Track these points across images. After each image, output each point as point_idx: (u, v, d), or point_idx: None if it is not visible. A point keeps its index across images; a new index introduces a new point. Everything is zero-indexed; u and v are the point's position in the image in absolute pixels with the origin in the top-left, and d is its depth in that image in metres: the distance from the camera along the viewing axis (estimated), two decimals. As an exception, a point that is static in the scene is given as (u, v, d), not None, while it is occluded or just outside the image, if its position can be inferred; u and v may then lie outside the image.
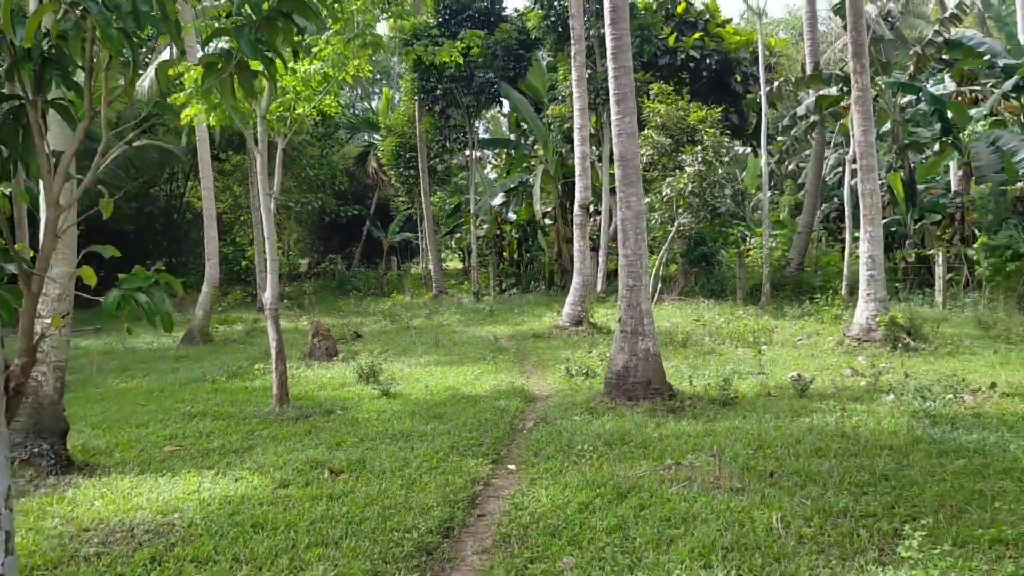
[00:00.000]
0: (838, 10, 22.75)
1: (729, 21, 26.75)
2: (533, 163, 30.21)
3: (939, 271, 18.19)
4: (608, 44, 10.72)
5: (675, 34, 24.93)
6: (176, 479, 6.97)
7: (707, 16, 26.03)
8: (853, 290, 18.93)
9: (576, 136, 18.42)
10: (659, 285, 21.27)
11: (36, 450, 7.13)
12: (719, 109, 21.30)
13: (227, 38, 2.97)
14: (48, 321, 6.46)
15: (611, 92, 10.66)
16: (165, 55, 21.09)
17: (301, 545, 5.36)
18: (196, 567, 5.06)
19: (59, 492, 6.60)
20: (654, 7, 25.53)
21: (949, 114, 20.82)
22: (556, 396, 10.69)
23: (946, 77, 24.05)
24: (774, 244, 24.62)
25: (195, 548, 5.34)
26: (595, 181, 23.42)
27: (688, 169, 19.64)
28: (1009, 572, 4.55)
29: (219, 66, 2.90)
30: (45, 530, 5.68)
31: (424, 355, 14.74)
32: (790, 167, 33.70)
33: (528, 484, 6.61)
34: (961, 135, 20.85)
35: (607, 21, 10.70)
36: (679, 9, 25.66)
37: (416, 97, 28.60)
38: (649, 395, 9.65)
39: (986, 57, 20.13)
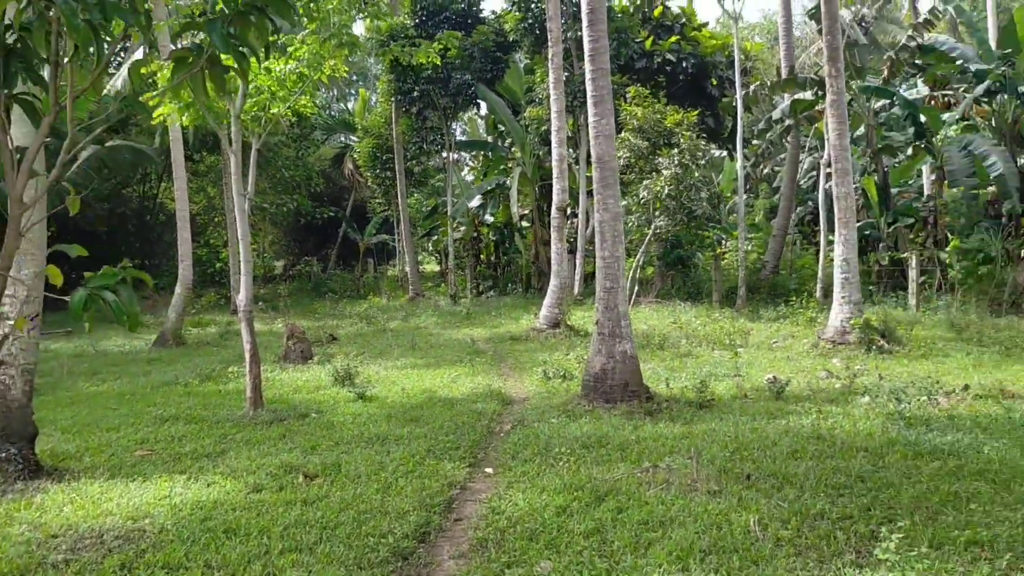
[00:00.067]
0: (813, 15, 22.94)
1: (705, 25, 26.90)
2: (510, 165, 30.17)
3: (912, 274, 18.37)
4: (586, 46, 10.72)
5: (652, 37, 25.02)
6: (147, 484, 6.84)
7: (683, 20, 26.14)
8: (827, 293, 19.07)
9: (554, 138, 18.42)
10: (636, 288, 21.31)
11: (3, 455, 6.97)
12: (695, 112, 21.38)
13: (200, 33, 2.90)
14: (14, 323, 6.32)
15: (589, 94, 10.65)
16: (139, 55, 20.84)
17: (275, 551, 5.27)
18: (167, 574, 4.97)
19: (27, 497, 6.45)
20: (631, 10, 25.60)
21: (922, 118, 21.04)
22: (533, 399, 10.66)
23: (919, 82, 24.31)
24: (749, 247, 24.77)
25: (166, 554, 5.24)
26: (572, 183, 23.42)
27: (665, 172, 19.70)
28: (985, 574, 4.56)
29: (190, 60, 2.82)
30: (12, 536, 5.54)
31: (400, 358, 14.64)
32: (765, 171, 33.97)
33: (505, 487, 6.56)
34: (934, 139, 21.07)
35: (585, 23, 10.70)
36: (656, 13, 25.75)
37: (393, 99, 28.48)
38: (627, 397, 9.64)
39: (958, 62, 20.37)
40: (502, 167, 31.73)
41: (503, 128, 30.02)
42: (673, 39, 25.03)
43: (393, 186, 31.33)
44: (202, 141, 27.42)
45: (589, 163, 21.54)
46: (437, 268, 41.04)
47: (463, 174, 40.20)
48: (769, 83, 23.51)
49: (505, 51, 27.52)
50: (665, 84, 24.35)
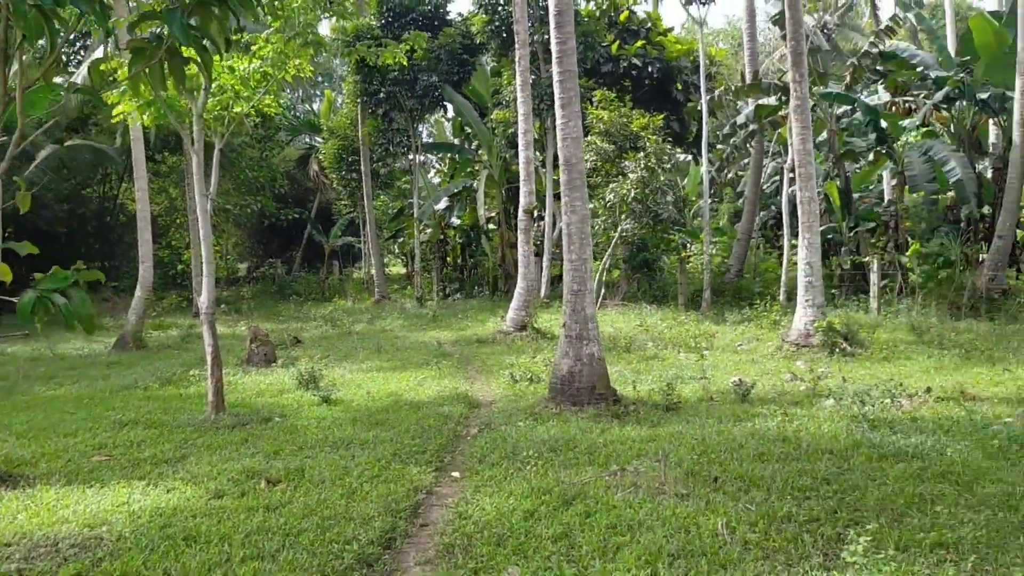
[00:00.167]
0: (777, 20, 23.22)
1: (671, 30, 27.07)
2: (477, 168, 30.11)
3: (874, 278, 18.60)
4: (553, 48, 10.70)
5: (618, 42, 25.13)
6: (105, 490, 6.71)
7: (649, 25, 26.30)
8: (791, 296, 19.27)
9: (520, 141, 18.39)
10: (602, 290, 21.36)
11: (-47, 462, 6.77)
12: (661, 117, 21.50)
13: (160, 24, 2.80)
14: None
15: (556, 96, 10.63)
16: (99, 53, 20.46)
17: (236, 559, 5.17)
18: (124, 583, 4.84)
19: (-22, 505, 6.27)
20: (597, 15, 25.70)
21: (883, 124, 21.37)
22: (500, 402, 10.61)
23: (880, 88, 24.70)
24: (714, 251, 24.98)
25: (124, 563, 5.13)
26: (539, 186, 23.44)
27: (631, 175, 19.77)
28: None
29: (149, 52, 2.71)
30: (-38, 546, 5.37)
31: (366, 361, 14.51)
32: (729, 175, 34.28)
33: (472, 492, 6.50)
34: (895, 145, 21.41)
35: (552, 25, 10.68)
36: (622, 17, 25.87)
37: (359, 100, 28.26)
38: (594, 400, 9.62)
39: (919, 69, 20.72)
40: (469, 170, 31.66)
41: (470, 131, 29.97)
42: (639, 44, 25.17)
43: (359, 188, 31.10)
44: (164, 141, 27.00)
45: (556, 166, 21.58)
46: (403, 270, 40.78)
47: (430, 176, 40.03)
48: (734, 88, 23.74)
49: (472, 53, 27.46)
50: (631, 88, 24.46)
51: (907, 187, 20.94)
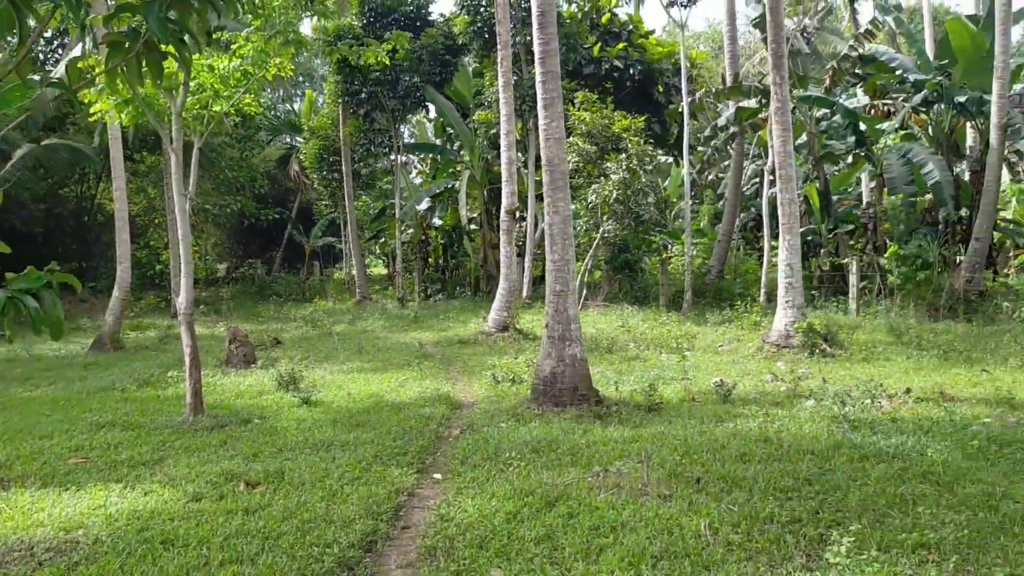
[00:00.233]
0: (758, 24, 23.33)
1: (652, 33, 27.14)
2: (459, 168, 30.06)
3: (853, 279, 18.74)
4: (536, 48, 10.67)
5: (599, 44, 25.16)
6: (81, 493, 6.63)
7: (631, 27, 26.35)
8: (771, 297, 19.39)
9: (503, 142, 18.36)
10: (584, 291, 21.37)
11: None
12: (643, 119, 21.55)
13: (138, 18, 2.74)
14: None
15: (539, 97, 10.61)
16: (77, 51, 20.24)
17: (214, 562, 5.11)
18: (100, 588, 4.76)
19: (-49, 509, 6.17)
20: (579, 17, 25.72)
21: (862, 127, 21.54)
22: (482, 403, 10.57)
23: (859, 91, 24.90)
24: (695, 252, 25.05)
25: (100, 567, 5.06)
26: (521, 187, 23.42)
27: (613, 177, 19.81)
28: (932, 576, 4.61)
29: (126, 45, 2.64)
30: (-67, 551, 5.27)
31: (347, 362, 14.42)
32: (710, 177, 34.42)
33: (454, 494, 6.45)
34: (874, 147, 21.58)
35: (535, 25, 10.66)
36: (603, 20, 25.90)
37: (340, 100, 28.13)
38: (576, 401, 9.60)
39: (898, 72, 20.89)
40: (451, 170, 31.60)
41: (452, 131, 29.90)
42: (620, 46, 25.21)
43: (340, 188, 30.96)
44: (143, 140, 26.77)
45: (538, 167, 21.57)
46: (384, 271, 40.65)
47: (411, 177, 39.92)
48: (714, 90, 23.84)
49: (454, 54, 27.41)
50: (613, 90, 24.50)
51: (886, 189, 21.11)
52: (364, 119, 28.35)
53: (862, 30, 22.85)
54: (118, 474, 7.20)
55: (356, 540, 5.45)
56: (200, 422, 9.22)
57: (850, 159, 23.65)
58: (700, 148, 27.58)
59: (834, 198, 24.59)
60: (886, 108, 21.67)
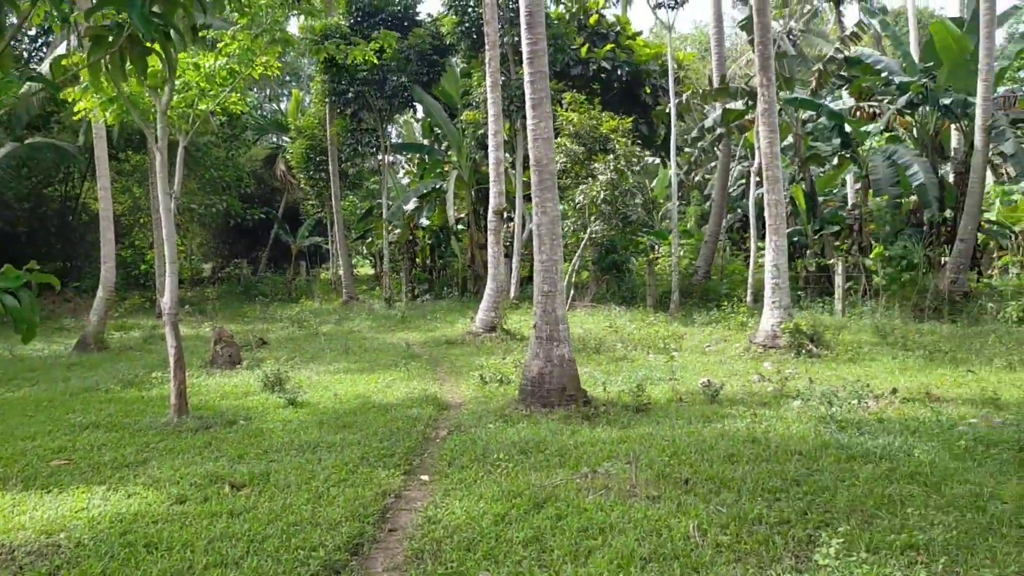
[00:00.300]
0: (744, 26, 23.40)
1: (639, 34, 27.17)
2: (447, 169, 30.00)
3: (838, 280, 18.83)
4: (524, 48, 10.65)
5: (587, 45, 25.18)
6: (64, 495, 6.55)
7: (618, 28, 26.37)
8: (757, 298, 19.45)
9: (490, 142, 18.33)
10: (571, 292, 21.37)
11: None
12: (630, 120, 21.57)
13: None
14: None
15: (527, 96, 10.59)
16: (61, 49, 20.07)
17: (199, 566, 5.05)
18: (82, 592, 4.70)
19: (-70, 512, 6.08)
20: (567, 18, 25.72)
21: (848, 129, 21.64)
22: (470, 404, 10.53)
23: (844, 93, 25.02)
24: (682, 253, 25.10)
25: (82, 571, 5.00)
26: (509, 187, 23.39)
27: (601, 177, 19.81)
28: (921, 577, 4.61)
29: (109, 40, 2.59)
30: (-89, 555, 5.19)
31: (333, 362, 14.34)
32: (696, 178, 34.53)
33: (442, 495, 6.41)
34: (859, 149, 21.69)
35: (523, 25, 10.63)
36: (591, 21, 25.92)
37: (327, 99, 28.03)
38: (564, 402, 9.58)
39: (883, 74, 21.00)
40: (438, 170, 31.53)
41: (439, 131, 29.85)
42: (608, 47, 25.23)
43: (327, 188, 30.84)
44: (128, 139, 26.55)
45: (526, 167, 21.53)
46: (371, 271, 40.51)
47: (399, 177, 39.82)
48: (701, 92, 23.89)
49: (442, 54, 27.36)
50: (600, 91, 24.51)
51: (871, 191, 21.22)
52: (351, 119, 28.26)
53: (848, 32, 22.98)
54: (101, 476, 7.12)
55: (342, 543, 5.40)
56: (185, 423, 9.14)
57: (836, 161, 23.76)
58: (687, 149, 27.65)
59: (820, 199, 24.70)
60: (871, 110, 21.78)
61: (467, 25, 24.36)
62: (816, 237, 23.15)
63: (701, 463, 6.97)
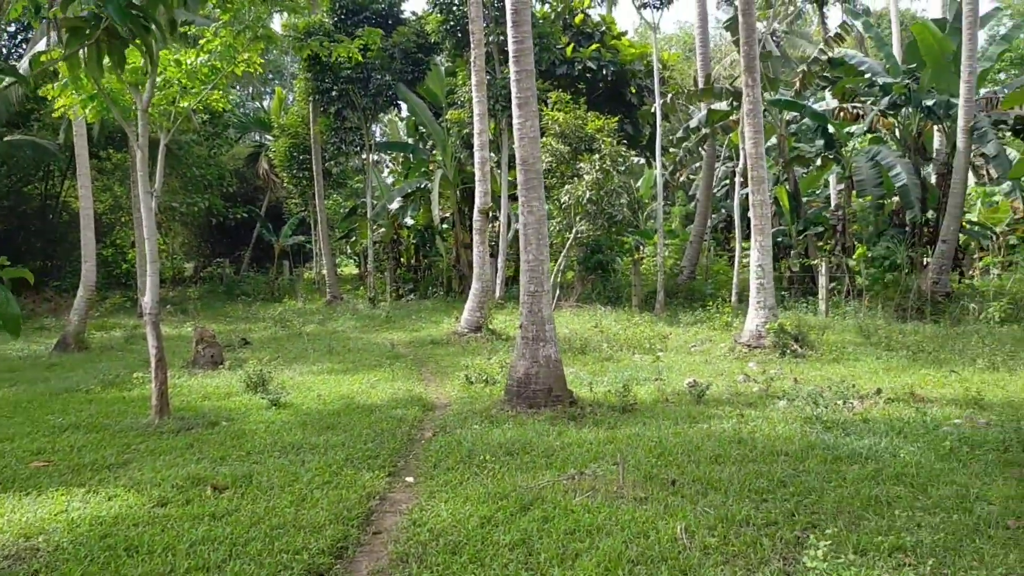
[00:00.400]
0: (729, 26, 23.45)
1: (624, 34, 27.19)
2: (432, 168, 29.91)
3: (822, 280, 18.90)
4: (510, 47, 10.59)
5: (572, 44, 25.17)
6: (42, 498, 6.44)
7: (603, 28, 26.38)
8: (742, 298, 19.51)
9: (476, 141, 18.27)
10: (557, 292, 21.34)
11: None
12: (615, 119, 21.57)
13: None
14: None
15: (513, 95, 10.53)
16: (41, 46, 19.82)
17: (180, 570, 4.98)
18: (60, 597, 4.61)
19: (-97, 515, 5.96)
20: (552, 17, 25.70)
21: (831, 130, 21.73)
22: (455, 404, 10.46)
23: (827, 94, 25.13)
24: (667, 253, 25.14)
25: (61, 575, 4.92)
26: (494, 187, 23.33)
27: (586, 177, 19.80)
28: (909, 579, 4.59)
29: (87, 32, 2.51)
30: None
31: (317, 363, 14.24)
32: (681, 178, 34.59)
33: (427, 498, 6.35)
34: (843, 150, 21.78)
35: (509, 23, 10.57)
36: (576, 20, 25.91)
37: (311, 98, 27.88)
38: (550, 402, 9.54)
39: (866, 75, 21.09)
40: (423, 169, 31.44)
41: (424, 130, 29.75)
42: (593, 47, 25.23)
43: (310, 187, 30.67)
44: (109, 138, 26.31)
45: (511, 166, 21.48)
46: (356, 271, 40.36)
47: (383, 176, 39.66)
48: (686, 92, 23.93)
49: (426, 53, 27.28)
50: (586, 91, 24.51)
51: (854, 192, 21.32)
52: (335, 117, 28.12)
53: (831, 34, 23.06)
54: (81, 478, 7.02)
55: (326, 546, 5.33)
56: (166, 424, 9.04)
57: (819, 161, 23.85)
58: (672, 149, 27.70)
59: (803, 200, 24.79)
60: (855, 111, 21.90)
61: (452, 23, 24.29)
62: (800, 238, 23.25)
63: (688, 464, 6.94)
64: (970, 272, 22.89)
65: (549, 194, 20.39)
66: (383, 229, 31.58)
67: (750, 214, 15.13)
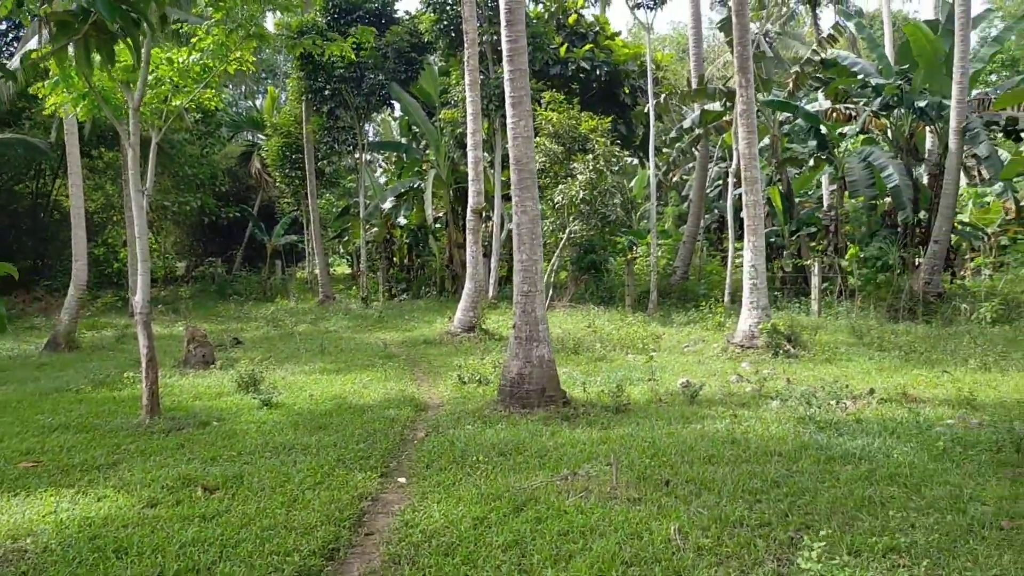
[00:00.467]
0: (723, 27, 23.48)
1: (618, 34, 27.19)
2: (425, 167, 29.85)
3: (815, 280, 18.92)
4: (504, 46, 10.56)
5: (566, 45, 25.14)
6: (31, 499, 6.40)
7: (597, 28, 26.37)
8: (735, 298, 19.50)
9: (469, 141, 18.23)
10: (550, 292, 21.31)
11: None
12: (609, 119, 21.56)
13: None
14: None
15: (507, 94, 10.50)
16: (33, 43, 19.71)
17: (169, 572, 4.95)
18: (48, 600, 4.57)
19: None
20: (546, 17, 25.68)
21: (824, 130, 21.76)
22: (448, 404, 10.42)
23: (820, 95, 25.16)
24: (660, 253, 25.15)
25: (49, 577, 4.84)
26: (487, 186, 23.29)
27: (580, 177, 19.78)
28: (903, 580, 4.58)
29: (75, 27, 2.46)
30: None
31: (309, 362, 14.18)
32: (674, 179, 34.64)
33: (419, 498, 6.32)
34: (835, 151, 21.81)
35: (503, 23, 10.54)
36: (570, 20, 25.90)
37: (303, 97, 27.78)
38: (544, 402, 9.51)
39: (859, 76, 21.13)
40: (416, 169, 31.37)
41: (417, 130, 29.70)
42: (587, 47, 25.21)
43: (303, 186, 30.57)
44: (100, 136, 26.17)
45: (504, 166, 21.47)
46: (348, 270, 40.24)
47: (376, 175, 39.56)
48: (679, 93, 23.94)
49: (420, 52, 27.23)
50: (579, 91, 24.50)
51: (846, 192, 21.36)
52: (328, 116, 28.04)
53: (824, 35, 23.11)
54: (70, 479, 6.97)
55: (317, 548, 5.30)
56: (157, 424, 8.98)
57: (812, 162, 23.89)
58: (665, 150, 27.70)
59: (796, 201, 24.82)
60: (847, 112, 21.92)
61: (445, 23, 24.24)
62: (793, 238, 23.27)
63: (681, 464, 6.93)
64: (962, 273, 22.94)
65: (543, 194, 20.36)
66: (376, 229, 31.49)
67: (743, 214, 15.13)
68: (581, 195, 19.68)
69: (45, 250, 29.73)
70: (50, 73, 10.26)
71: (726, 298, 20.44)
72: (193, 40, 10.29)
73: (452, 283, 27.74)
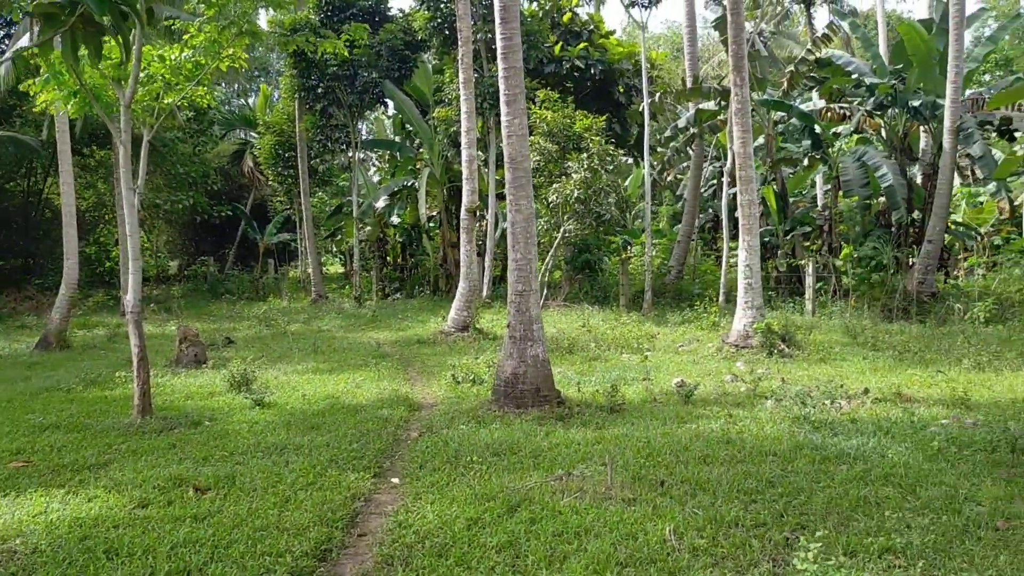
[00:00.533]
0: (717, 25, 23.46)
1: (612, 33, 27.14)
2: (418, 166, 29.77)
3: (809, 280, 18.92)
4: (498, 44, 10.52)
5: (560, 43, 25.09)
6: (21, 499, 6.35)
7: (592, 27, 26.30)
8: (729, 298, 19.51)
9: (463, 139, 18.17)
10: (544, 291, 21.27)
11: None
12: (603, 118, 21.52)
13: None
14: None
15: (501, 92, 10.46)
16: (24, 41, 19.60)
17: (160, 573, 4.90)
18: (38, 602, 4.52)
19: None
20: (540, 15, 25.63)
21: (818, 130, 21.77)
22: (442, 404, 10.38)
23: (814, 95, 25.17)
24: (654, 252, 25.12)
25: (38, 578, 4.80)
26: (481, 185, 23.24)
27: (574, 176, 19.74)
28: (899, 581, 4.55)
29: (61, 19, 2.41)
30: None
31: (301, 362, 14.13)
32: (669, 178, 34.60)
33: (413, 499, 6.28)
34: (829, 151, 21.82)
35: (497, 20, 10.50)
36: (565, 19, 25.84)
37: (296, 95, 27.69)
38: (538, 402, 9.48)
39: (853, 76, 21.13)
40: (410, 168, 31.29)
41: (411, 128, 29.59)
42: (582, 45, 25.15)
43: (295, 185, 30.48)
44: (92, 134, 26.05)
45: (499, 165, 21.41)
46: (341, 270, 40.14)
47: (369, 174, 39.48)
48: (674, 92, 23.92)
49: (414, 50, 27.15)
50: (573, 89, 24.44)
51: (840, 192, 21.36)
52: (321, 115, 27.95)
53: (818, 35, 23.10)
54: (61, 479, 6.92)
55: (310, 549, 5.25)
56: (148, 424, 8.92)
57: (806, 162, 23.89)
58: (660, 149, 27.68)
59: (790, 200, 24.83)
60: (842, 112, 21.94)
61: (439, 21, 24.18)
62: (787, 238, 23.29)
63: (676, 464, 6.90)
64: (955, 272, 23.00)
65: (537, 193, 20.32)
66: (369, 228, 31.41)
67: (738, 214, 15.11)
68: (576, 194, 19.65)
69: (36, 249, 29.57)
70: (41, 70, 10.18)
71: (721, 298, 20.43)
72: (185, 37, 10.23)
73: (446, 282, 27.66)
